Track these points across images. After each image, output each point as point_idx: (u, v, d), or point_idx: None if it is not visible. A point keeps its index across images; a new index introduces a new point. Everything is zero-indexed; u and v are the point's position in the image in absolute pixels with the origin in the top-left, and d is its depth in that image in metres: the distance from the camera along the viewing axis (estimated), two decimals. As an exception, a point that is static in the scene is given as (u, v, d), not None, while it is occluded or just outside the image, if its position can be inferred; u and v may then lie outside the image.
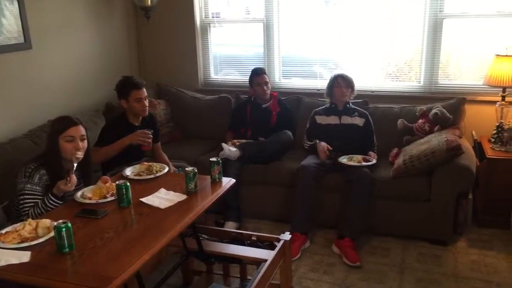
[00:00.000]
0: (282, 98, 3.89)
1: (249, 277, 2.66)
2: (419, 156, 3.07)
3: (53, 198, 2.31)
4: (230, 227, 3.30)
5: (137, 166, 2.73)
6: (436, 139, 3.14)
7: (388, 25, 3.87)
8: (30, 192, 2.33)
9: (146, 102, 3.08)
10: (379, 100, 3.85)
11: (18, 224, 2.00)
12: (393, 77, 4.02)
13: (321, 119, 3.57)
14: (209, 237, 2.63)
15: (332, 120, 3.53)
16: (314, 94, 4.00)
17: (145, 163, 2.76)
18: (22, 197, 2.31)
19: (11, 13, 3.08)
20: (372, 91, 3.96)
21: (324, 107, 3.64)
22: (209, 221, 3.33)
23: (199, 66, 4.48)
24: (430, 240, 3.16)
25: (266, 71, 3.83)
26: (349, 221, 3.09)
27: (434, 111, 3.42)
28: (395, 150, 3.44)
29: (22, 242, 1.89)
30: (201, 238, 2.52)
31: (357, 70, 3.99)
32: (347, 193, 3.16)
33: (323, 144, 3.36)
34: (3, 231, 1.96)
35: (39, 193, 2.35)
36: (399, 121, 3.56)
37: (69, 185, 2.30)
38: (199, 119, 4.13)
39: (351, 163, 3.23)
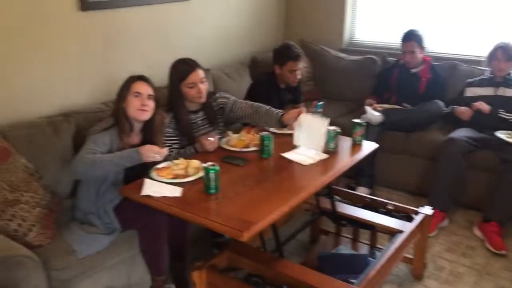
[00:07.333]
0: (436, 63, 3.57)
1: (378, 246, 2.58)
2: None
3: (192, 150, 2.44)
4: (361, 192, 3.21)
5: (279, 120, 2.77)
6: None
7: None
8: (171, 137, 2.47)
9: (299, 74, 3.06)
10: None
11: (171, 162, 2.18)
12: None
13: (472, 91, 3.24)
14: (342, 199, 2.60)
15: (486, 91, 3.17)
16: (472, 62, 3.59)
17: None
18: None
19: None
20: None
21: (479, 78, 3.27)
22: (340, 183, 3.29)
23: (345, 25, 4.31)
24: None
25: (420, 34, 3.45)
26: (499, 205, 2.78)
27: None
28: None
29: (175, 178, 2.07)
30: (334, 199, 2.50)
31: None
32: (500, 174, 2.83)
33: (462, 108, 3.16)
34: (159, 166, 2.16)
35: (174, 136, 2.48)
36: None
37: (210, 146, 2.35)
38: (340, 79, 4.02)
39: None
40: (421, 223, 2.28)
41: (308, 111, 2.52)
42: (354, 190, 3.23)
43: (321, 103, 2.97)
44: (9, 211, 1.95)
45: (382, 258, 1.96)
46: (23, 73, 2.53)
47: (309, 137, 2.30)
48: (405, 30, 3.49)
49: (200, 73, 2.48)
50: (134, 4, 3.09)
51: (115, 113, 2.25)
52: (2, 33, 2.40)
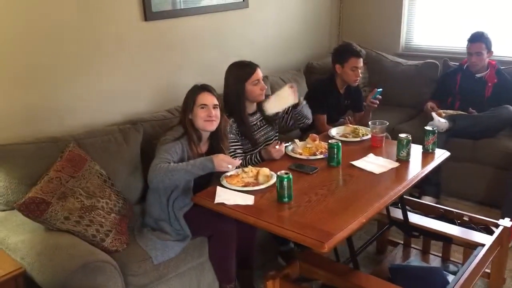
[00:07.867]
0: (502, 67, 3.41)
1: (452, 259, 2.47)
2: None
3: (258, 158, 2.44)
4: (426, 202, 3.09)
5: (342, 127, 2.72)
6: None
7: None
8: (233, 143, 2.48)
9: (360, 73, 3.04)
10: None
11: (240, 169, 2.17)
12: None
13: None
14: (412, 209, 2.51)
15: None
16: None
17: (350, 125, 2.73)
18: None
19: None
20: None
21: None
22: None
23: (402, 29, 4.20)
24: None
25: (489, 38, 3.26)
26: None
27: None
28: None
29: (245, 186, 2.05)
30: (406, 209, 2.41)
31: None
32: None
33: None
34: (228, 174, 2.15)
35: (237, 141, 2.50)
36: None
37: (276, 153, 2.34)
38: (397, 85, 3.89)
39: None
40: (501, 235, 2.16)
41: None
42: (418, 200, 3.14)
43: (380, 89, 3.04)
44: (87, 216, 1.99)
45: (465, 272, 1.86)
46: (92, 82, 2.61)
47: (272, 100, 2.56)
48: (472, 32, 3.35)
49: (260, 71, 2.57)
50: (194, 13, 3.14)
51: (183, 123, 2.27)
52: (76, 45, 2.50)
